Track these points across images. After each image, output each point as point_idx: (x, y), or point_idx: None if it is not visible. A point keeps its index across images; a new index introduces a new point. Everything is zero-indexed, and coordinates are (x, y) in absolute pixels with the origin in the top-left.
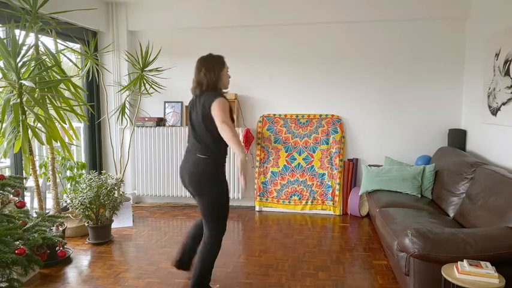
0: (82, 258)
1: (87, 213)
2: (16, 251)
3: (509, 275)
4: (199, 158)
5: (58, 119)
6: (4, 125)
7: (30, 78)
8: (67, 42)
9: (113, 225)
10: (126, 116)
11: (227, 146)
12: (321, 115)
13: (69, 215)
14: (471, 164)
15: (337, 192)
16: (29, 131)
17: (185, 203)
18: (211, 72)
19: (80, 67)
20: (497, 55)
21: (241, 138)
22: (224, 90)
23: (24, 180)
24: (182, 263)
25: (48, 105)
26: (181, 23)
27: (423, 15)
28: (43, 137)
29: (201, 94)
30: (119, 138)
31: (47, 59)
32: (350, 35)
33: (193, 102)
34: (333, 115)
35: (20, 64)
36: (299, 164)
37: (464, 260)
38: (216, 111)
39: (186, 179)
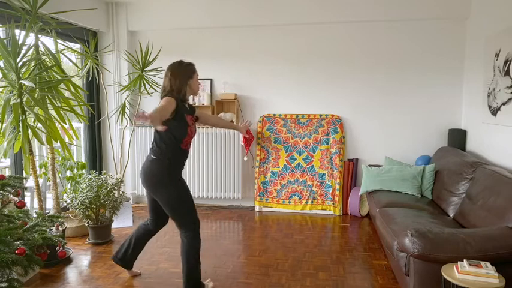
0: (82, 258)
1: (87, 213)
2: (16, 251)
3: (509, 275)
4: (153, 159)
5: (58, 119)
6: (4, 125)
7: (30, 78)
8: (67, 42)
9: (113, 225)
10: (126, 116)
11: (179, 149)
12: (321, 115)
13: (69, 215)
14: (471, 164)
15: (337, 192)
16: (29, 131)
17: None
18: (176, 79)
19: (80, 67)
20: (497, 55)
21: (241, 138)
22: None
23: (24, 180)
24: (123, 262)
25: (48, 105)
26: (181, 23)
27: (423, 14)
28: (43, 137)
29: (162, 98)
30: (119, 138)
31: (47, 59)
32: (350, 35)
33: None
34: (333, 115)
35: (20, 64)
36: (299, 164)
37: (464, 260)
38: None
39: (142, 179)
